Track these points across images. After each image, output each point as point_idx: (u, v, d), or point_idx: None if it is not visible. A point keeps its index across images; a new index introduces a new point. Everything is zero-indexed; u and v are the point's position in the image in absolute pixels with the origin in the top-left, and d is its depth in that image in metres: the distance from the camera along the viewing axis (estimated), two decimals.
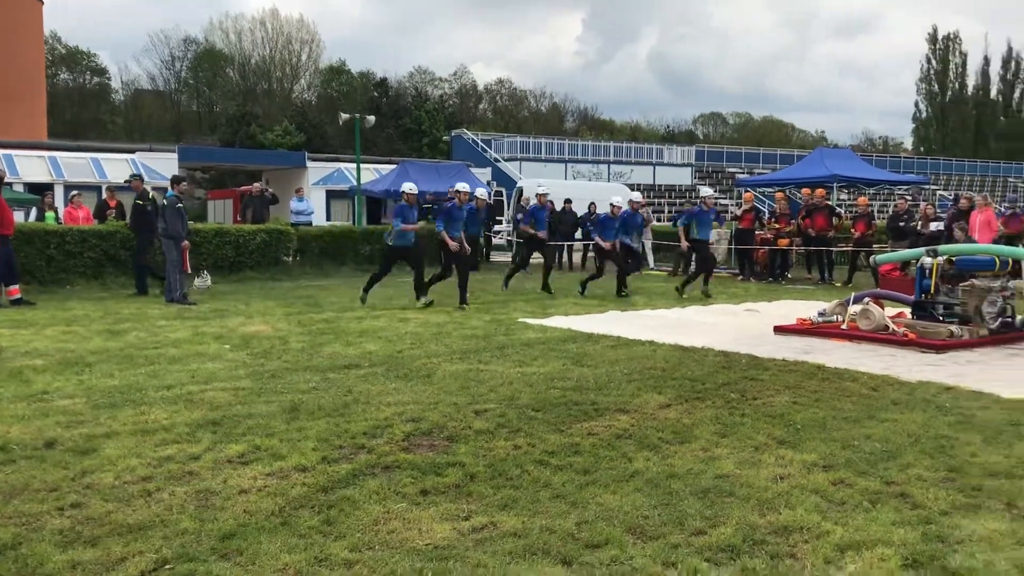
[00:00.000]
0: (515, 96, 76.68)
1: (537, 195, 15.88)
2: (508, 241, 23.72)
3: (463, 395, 6.87)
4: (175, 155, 29.70)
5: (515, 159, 40.20)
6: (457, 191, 13.70)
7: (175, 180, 14.25)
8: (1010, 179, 58.39)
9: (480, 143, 41.54)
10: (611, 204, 15.21)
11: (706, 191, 15.30)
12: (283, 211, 23.35)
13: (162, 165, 27.68)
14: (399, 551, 3.89)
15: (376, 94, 62.00)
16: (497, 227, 25.38)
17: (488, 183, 32.08)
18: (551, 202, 21.51)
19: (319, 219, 26.89)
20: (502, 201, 30.20)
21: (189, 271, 14.35)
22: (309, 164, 32.16)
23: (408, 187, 13.43)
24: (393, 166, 31.41)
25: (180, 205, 13.73)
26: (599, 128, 74.26)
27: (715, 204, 15.32)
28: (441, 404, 6.56)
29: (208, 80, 64.79)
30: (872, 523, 4.23)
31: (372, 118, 28.75)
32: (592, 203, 22.47)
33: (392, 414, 6.24)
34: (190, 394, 6.91)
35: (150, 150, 30.48)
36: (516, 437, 5.70)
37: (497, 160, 38.85)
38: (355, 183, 27.20)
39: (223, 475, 4.90)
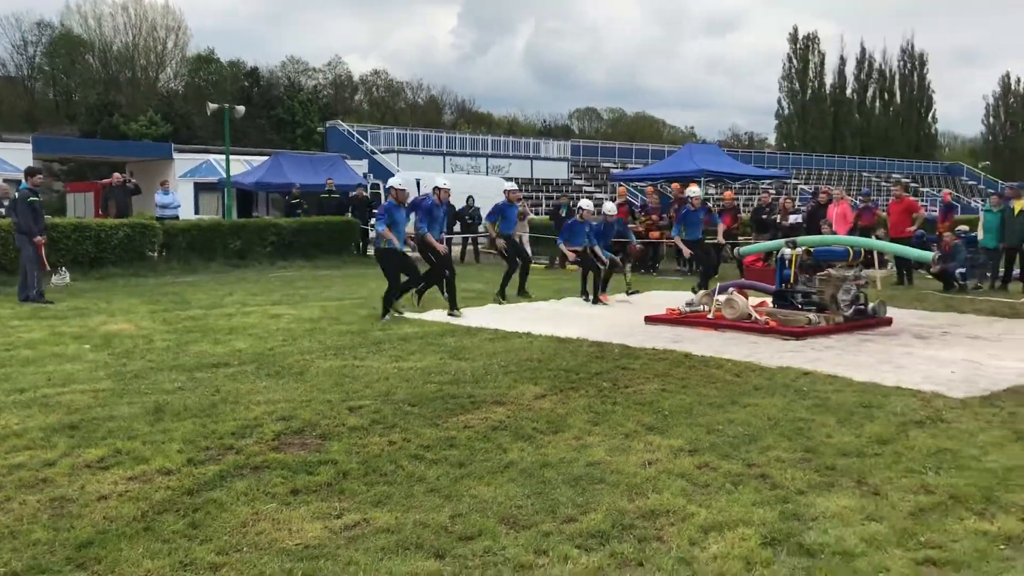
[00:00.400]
0: (391, 88, 75.95)
1: (505, 191, 14.20)
2: None
3: (337, 392, 6.77)
4: (29, 146, 28.08)
5: (392, 151, 39.84)
6: (438, 188, 11.97)
7: (29, 172, 13.44)
8: (864, 173, 61.72)
9: (356, 135, 40.99)
10: (580, 208, 13.96)
11: (692, 191, 14.69)
12: (147, 204, 22.44)
13: (15, 156, 26.15)
14: (268, 552, 3.81)
15: (247, 84, 60.24)
16: (373, 221, 25.05)
17: (365, 175, 31.71)
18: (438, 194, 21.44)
19: (187, 213, 25.94)
20: (379, 194, 29.87)
21: (47, 268, 13.59)
22: (176, 156, 31.01)
23: (396, 182, 11.74)
24: (265, 158, 30.64)
25: (34, 199, 12.97)
26: (477, 121, 74.38)
27: (702, 203, 14.74)
28: (314, 402, 6.44)
29: (65, 67, 61.41)
30: (734, 504, 4.40)
31: (242, 108, 27.97)
32: (470, 196, 22.51)
33: (262, 413, 6.09)
34: (45, 397, 6.56)
35: (0, 140, 28.72)
36: (391, 433, 5.66)
37: (374, 152, 38.42)
38: (224, 175, 26.39)
39: (80, 481, 4.68)
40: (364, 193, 23.58)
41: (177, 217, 20.86)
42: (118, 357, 8.27)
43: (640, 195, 28.40)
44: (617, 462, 5.09)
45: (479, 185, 28.59)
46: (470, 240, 22.36)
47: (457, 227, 22.13)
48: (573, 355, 8.48)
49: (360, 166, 33.63)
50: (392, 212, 11.14)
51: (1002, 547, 3.89)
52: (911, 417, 6.14)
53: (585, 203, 13.94)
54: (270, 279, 16.52)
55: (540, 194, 39.77)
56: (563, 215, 21.21)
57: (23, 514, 4.20)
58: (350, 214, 21.77)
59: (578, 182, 44.73)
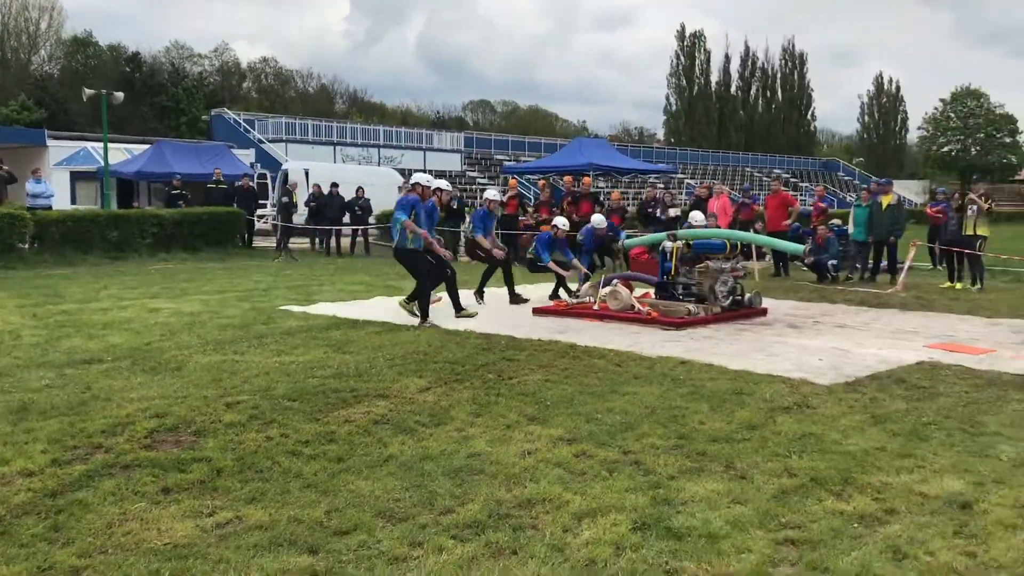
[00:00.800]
0: (281, 76, 74.28)
1: (487, 200, 12.89)
2: (273, 226, 23.01)
3: (214, 387, 6.61)
4: None
5: (280, 140, 38.98)
6: (440, 190, 11.29)
7: None
8: (747, 169, 63.81)
9: (243, 123, 39.97)
10: (488, 200, 12.81)
11: (597, 220, 13.71)
12: (18, 194, 21.32)
13: None
14: (134, 553, 3.70)
15: (128, 69, 57.97)
16: (260, 211, 24.52)
17: (252, 165, 30.95)
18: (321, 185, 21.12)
19: (63, 203, 24.78)
20: (266, 184, 29.24)
21: None
22: (50, 143, 29.54)
23: (423, 179, 10.90)
24: (147, 146, 29.56)
25: None
26: (369, 111, 73.54)
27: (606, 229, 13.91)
28: (190, 398, 6.28)
29: None
30: (608, 491, 4.52)
31: (120, 94, 26.85)
32: (360, 187, 22.25)
33: (135, 410, 5.90)
34: None
35: None
36: (269, 428, 5.58)
37: (261, 141, 37.55)
38: (103, 163, 25.32)
39: None
40: (250, 183, 23.00)
41: (50, 207, 19.92)
42: None
43: (532, 187, 28.63)
44: (497, 453, 5.15)
45: (370, 176, 28.35)
46: (359, 232, 22.11)
47: (347, 219, 21.86)
48: (460, 347, 8.51)
49: (247, 155, 32.79)
50: (416, 208, 10.37)
51: (855, 525, 4.12)
52: (779, 403, 6.41)
53: (491, 193, 13.30)
54: (150, 272, 15.97)
55: None
56: (454, 207, 21.22)
57: None
58: (235, 205, 21.21)
59: (471, 174, 44.78)
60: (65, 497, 4.31)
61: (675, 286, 11.02)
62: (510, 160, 44.07)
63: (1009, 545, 3.87)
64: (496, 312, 11.29)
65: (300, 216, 22.06)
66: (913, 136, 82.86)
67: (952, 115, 75.61)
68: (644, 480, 4.72)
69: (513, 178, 22.34)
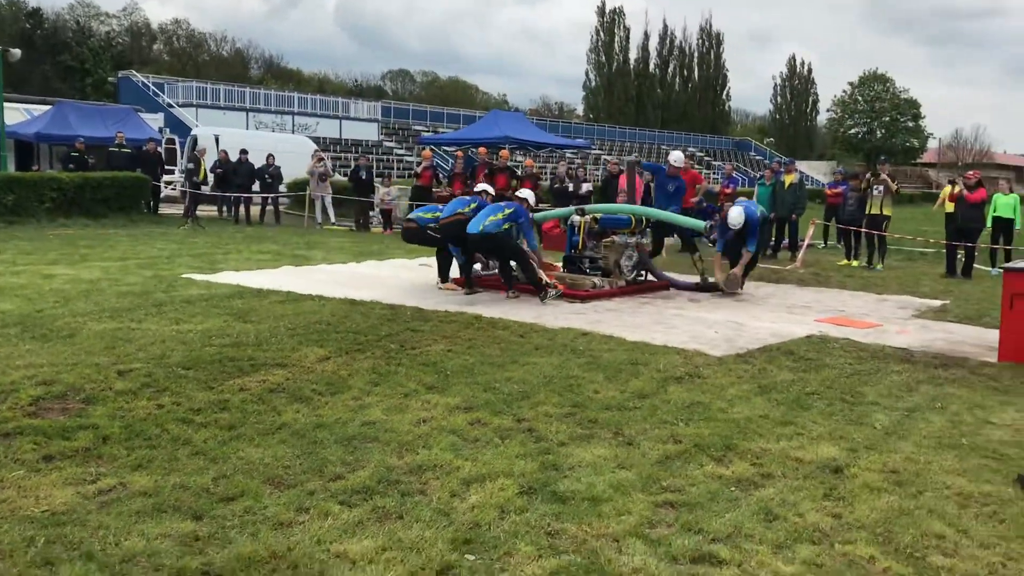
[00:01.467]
0: (193, 39, 71.95)
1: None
2: (181, 193, 22.42)
3: (107, 355, 6.47)
4: None
5: (191, 105, 37.84)
6: (669, 162, 12.12)
7: None
8: (664, 146, 64.68)
9: (152, 87, 38.67)
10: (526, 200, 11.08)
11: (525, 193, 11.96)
12: None
13: None
14: (8, 520, 3.63)
15: (28, 25, 55.33)
16: (168, 177, 23.85)
17: (160, 130, 30.02)
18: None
19: None
20: (174, 150, 28.42)
21: None
22: None
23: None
24: (48, 107, 28.33)
25: None
26: (285, 78, 71.89)
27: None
28: (81, 365, 6.12)
29: None
30: (498, 457, 4.61)
31: (18, 51, 25.66)
32: (270, 155, 21.81)
33: (21, 377, 5.74)
34: None
35: None
36: (161, 397, 5.49)
37: (171, 106, 36.39)
38: None
39: None
40: (157, 148, 22.32)
41: None
42: None
43: (450, 159, 28.52)
44: (392, 421, 5.18)
45: (281, 143, 27.83)
46: (269, 200, 21.70)
47: (256, 186, 21.43)
48: (364, 318, 8.48)
49: (155, 120, 31.72)
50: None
51: (732, 489, 4.30)
52: (672, 373, 6.60)
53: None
54: (48, 237, 15.39)
55: (348, 155, 39.07)
56: (363, 177, 21.02)
57: None
58: (140, 170, 20.55)
59: (389, 144, 44.32)
60: None
61: (582, 260, 11.17)
62: (428, 131, 43.75)
63: (872, 507, 4.09)
64: (407, 283, 11.26)
65: (208, 184, 21.52)
66: (823, 118, 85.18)
67: (860, 98, 77.97)
68: (535, 447, 4.82)
69: (428, 149, 22.21)
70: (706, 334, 8.29)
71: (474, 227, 10.09)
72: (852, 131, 78.25)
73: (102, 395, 5.46)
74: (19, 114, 27.55)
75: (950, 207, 15.83)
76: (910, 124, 77.64)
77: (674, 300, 10.56)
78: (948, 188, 16.79)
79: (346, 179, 22.86)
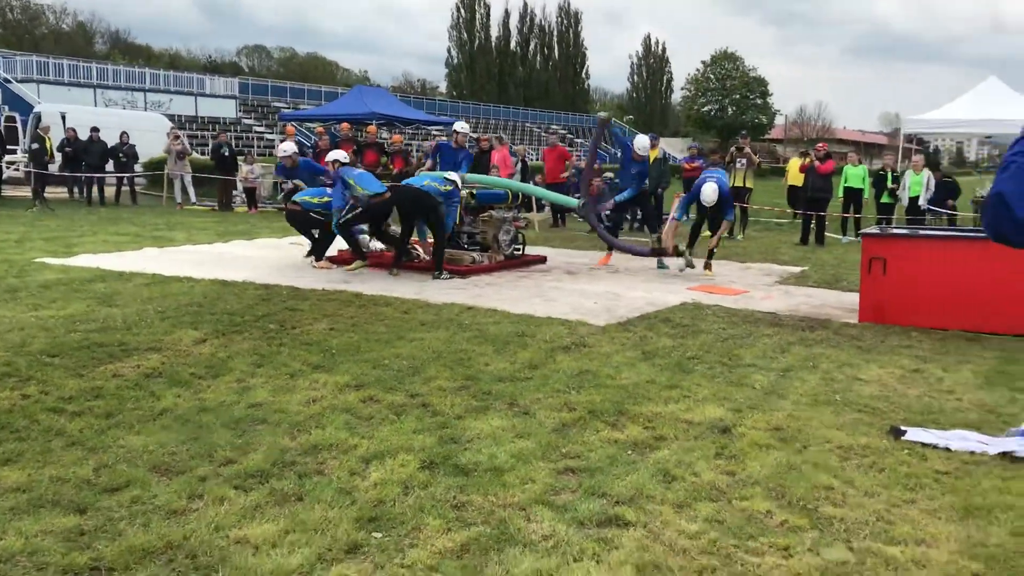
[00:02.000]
0: (29, 11, 67.30)
1: (455, 132, 12.27)
2: (26, 174, 20.97)
3: None
4: None
5: (31, 81, 35.38)
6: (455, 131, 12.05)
7: None
8: (527, 124, 65.23)
9: None
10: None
11: (641, 141, 11.76)
12: None
13: None
14: None
15: None
16: (9, 157, 22.25)
17: None
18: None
19: None
20: (15, 128, 26.56)
21: None
22: None
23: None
24: None
25: None
26: (134, 53, 68.34)
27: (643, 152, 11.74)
28: None
29: None
30: (395, 433, 4.53)
31: None
32: (124, 132, 20.67)
33: None
34: None
35: None
36: (25, 386, 5.13)
37: (8, 81, 33.92)
38: None
39: None
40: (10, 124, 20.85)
41: None
42: None
43: (312, 136, 27.77)
44: (280, 402, 5.02)
45: (136, 121, 26.47)
46: (125, 180, 20.59)
47: (110, 166, 20.29)
48: (238, 298, 8.18)
49: None
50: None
51: (629, 453, 4.37)
52: (559, 343, 6.66)
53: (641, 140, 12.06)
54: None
55: (205, 133, 37.53)
56: (225, 155, 20.24)
57: None
58: None
59: (248, 121, 42.81)
60: None
61: (460, 235, 11.12)
62: (288, 108, 42.51)
63: (763, 463, 4.25)
64: (279, 263, 10.93)
65: (56, 163, 20.21)
66: (677, 96, 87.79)
67: (712, 76, 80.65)
68: (432, 421, 4.77)
69: (291, 125, 21.57)
70: (586, 304, 8.41)
71: (417, 181, 10.22)
72: (705, 108, 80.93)
73: None
74: None
75: (796, 179, 16.61)
76: (759, 101, 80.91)
77: (551, 273, 10.67)
78: (796, 160, 17.58)
79: (207, 157, 21.94)
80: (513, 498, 3.76)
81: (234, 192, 20.11)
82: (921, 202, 15.09)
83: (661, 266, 11.25)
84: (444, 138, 12.78)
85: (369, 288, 8.97)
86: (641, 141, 11.71)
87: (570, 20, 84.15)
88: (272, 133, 39.48)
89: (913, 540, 3.44)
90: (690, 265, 10.91)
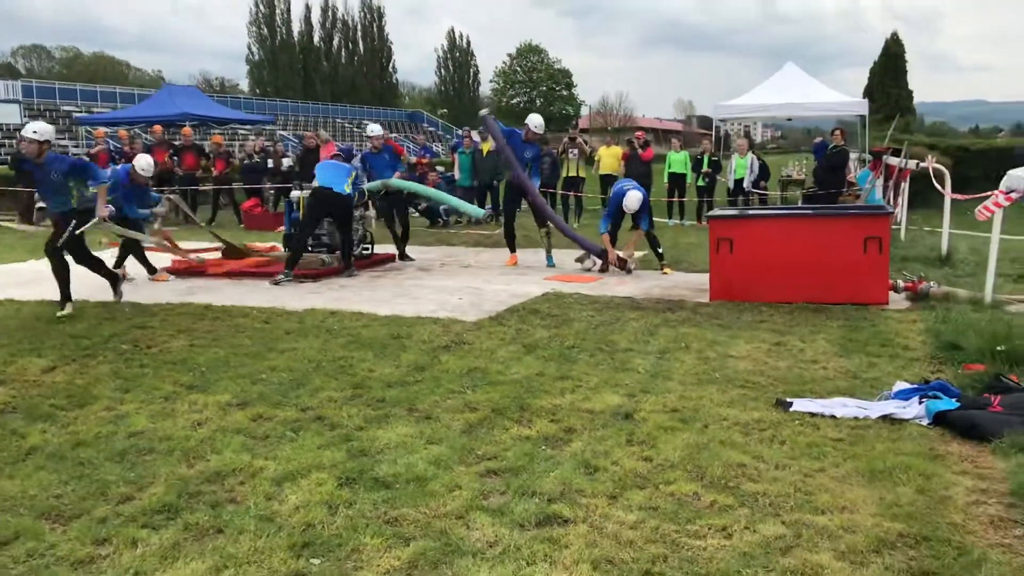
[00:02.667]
0: None
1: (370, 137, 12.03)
2: None
3: None
4: None
5: None
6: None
7: None
8: (338, 120, 64.04)
9: None
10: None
11: (536, 120, 11.14)
12: None
13: None
14: None
15: None
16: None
17: None
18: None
19: None
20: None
21: None
22: None
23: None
24: None
25: None
26: None
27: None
28: None
29: None
30: (300, 451, 4.30)
31: None
32: None
33: None
34: None
35: None
36: None
37: None
38: None
39: None
40: None
41: None
42: None
43: (112, 141, 26.00)
44: (164, 428, 4.66)
45: None
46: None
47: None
48: (77, 319, 7.54)
49: None
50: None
51: (544, 448, 4.36)
52: (438, 343, 6.56)
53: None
54: None
55: None
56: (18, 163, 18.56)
57: None
58: None
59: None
60: None
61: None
62: (81, 111, 39.61)
63: (674, 446, 4.34)
64: (90, 277, 10.09)
65: None
66: (485, 89, 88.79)
67: (519, 69, 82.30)
68: (333, 435, 4.56)
69: (100, 129, 20.10)
70: (451, 301, 8.34)
71: (338, 186, 9.86)
72: (514, 100, 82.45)
73: None
74: None
75: (608, 168, 17.02)
76: (564, 93, 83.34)
77: (405, 272, 10.51)
78: (606, 149, 17.99)
79: (4, 167, 20.09)
80: (445, 507, 3.66)
81: (37, 206, 18.50)
82: (746, 184, 15.93)
83: (551, 263, 10.95)
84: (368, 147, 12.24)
85: (217, 298, 8.50)
86: (535, 120, 11.18)
87: (373, 15, 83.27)
88: (66, 139, 36.67)
89: (836, 508, 3.62)
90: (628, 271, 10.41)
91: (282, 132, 46.55)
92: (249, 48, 76.37)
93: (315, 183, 9.93)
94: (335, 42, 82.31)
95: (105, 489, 3.84)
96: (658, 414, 4.86)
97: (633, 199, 10.15)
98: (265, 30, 76.64)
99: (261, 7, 76.25)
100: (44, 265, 11.20)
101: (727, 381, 5.55)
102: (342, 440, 4.47)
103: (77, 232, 8.00)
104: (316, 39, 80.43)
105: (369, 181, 11.19)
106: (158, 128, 19.15)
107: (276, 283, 9.38)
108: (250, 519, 3.53)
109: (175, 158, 17.65)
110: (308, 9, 79.03)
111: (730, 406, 5.02)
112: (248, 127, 31.69)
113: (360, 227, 10.78)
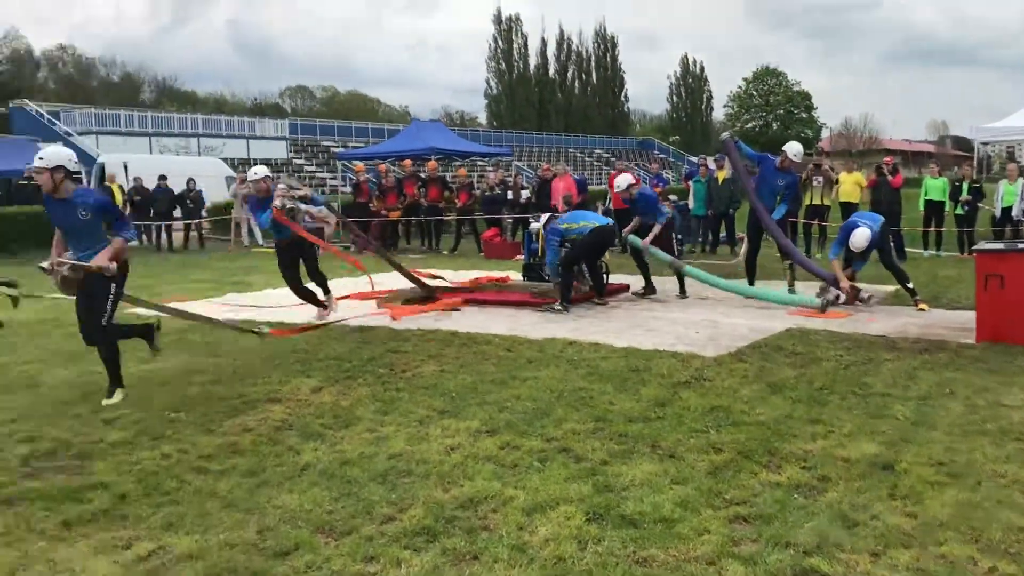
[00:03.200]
0: (80, 64, 69.19)
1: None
2: None
3: (85, 404, 6.00)
4: None
5: (90, 133, 36.24)
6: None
7: None
8: (570, 150, 65.28)
9: (47, 116, 36.90)
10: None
11: (795, 148, 10.82)
12: None
13: None
14: None
15: None
16: None
17: None
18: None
19: None
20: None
21: None
22: None
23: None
24: None
25: None
26: (181, 100, 69.82)
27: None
28: (60, 417, 5.66)
29: None
30: (548, 482, 4.39)
31: None
32: (191, 179, 21.00)
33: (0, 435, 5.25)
34: None
35: None
36: (161, 444, 5.10)
37: (69, 135, 34.77)
38: None
39: None
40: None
41: None
42: None
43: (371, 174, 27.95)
44: (420, 451, 4.92)
45: (198, 167, 26.94)
46: (193, 226, 20.87)
47: (178, 212, 20.60)
48: (339, 342, 8.13)
49: None
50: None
51: (796, 496, 4.19)
52: (677, 378, 6.49)
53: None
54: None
55: None
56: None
57: None
58: None
59: (299, 161, 43.38)
60: None
61: (542, 267, 11.00)
62: (338, 146, 43.00)
63: (942, 503, 4.03)
64: (362, 304, 10.87)
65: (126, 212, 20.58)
66: (719, 114, 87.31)
67: (754, 93, 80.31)
68: (579, 467, 4.62)
69: (359, 164, 21.74)
70: (688, 335, 8.23)
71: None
72: (749, 125, 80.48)
73: (97, 448, 5.03)
74: None
75: (852, 195, 15.89)
76: (803, 115, 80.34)
77: (639, 303, 10.50)
78: (848, 176, 16.96)
79: None
80: (695, 551, 3.60)
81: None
82: (1015, 212, 14.49)
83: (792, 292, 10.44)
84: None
85: (461, 325, 8.88)
86: (794, 148, 10.82)
87: (607, 45, 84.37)
88: (324, 172, 39.92)
89: None
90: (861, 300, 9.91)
91: (517, 163, 48.10)
92: (487, 82, 79.75)
93: (592, 223, 10.07)
94: (569, 73, 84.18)
95: (370, 508, 4.11)
96: (922, 466, 4.53)
97: (860, 237, 9.58)
98: (503, 64, 79.69)
99: (500, 43, 79.42)
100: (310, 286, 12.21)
101: (1002, 433, 5.08)
102: (588, 474, 4.52)
103: (115, 303, 6.37)
104: (551, 71, 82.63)
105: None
106: (407, 162, 20.40)
107: (553, 311, 9.63)
108: (503, 548, 3.65)
109: (422, 190, 18.71)
110: (544, 43, 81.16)
111: (1007, 461, 4.59)
112: (486, 159, 33.06)
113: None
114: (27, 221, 17.72)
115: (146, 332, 7.00)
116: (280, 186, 9.71)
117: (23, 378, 6.82)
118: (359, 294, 11.30)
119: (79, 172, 5.44)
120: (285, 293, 10.19)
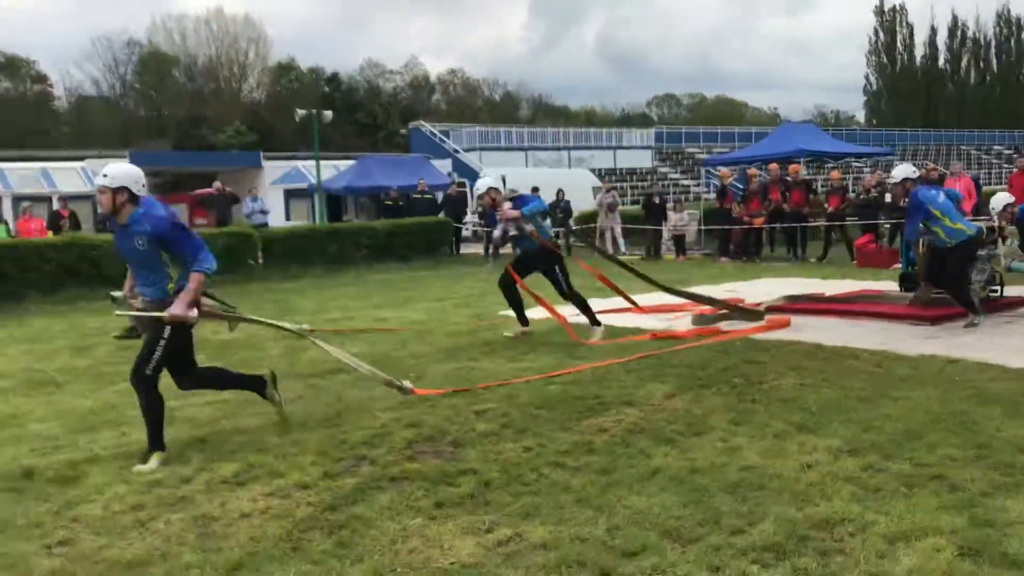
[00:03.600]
0: (468, 86, 76.07)
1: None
2: (474, 232, 23.45)
3: (459, 395, 6.58)
4: (126, 161, 28.85)
5: (474, 149, 39.70)
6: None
7: None
8: (963, 147, 59.19)
9: (438, 134, 41.10)
10: None
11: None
12: (239, 213, 22.71)
13: None
14: (423, 572, 3.61)
15: (328, 90, 61.11)
16: (465, 219, 25.09)
17: (449, 175, 31.71)
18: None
19: (278, 219, 26.30)
20: (466, 193, 29.86)
21: None
22: (265, 163, 31.47)
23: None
24: (352, 162, 30.89)
25: None
26: (554, 114, 73.98)
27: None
28: (438, 406, 6.26)
29: (154, 84, 63.21)
30: (915, 510, 4.02)
31: (329, 113, 28.16)
32: (560, 190, 22.20)
33: (389, 420, 5.94)
34: (170, 410, 6.48)
35: (99, 156, 29.63)
36: (524, 438, 5.43)
37: (456, 151, 38.43)
38: (313, 180, 26.65)
39: (220, 498, 4.57)
40: (460, 191, 23.75)
41: (266, 224, 21.11)
42: (233, 366, 8.23)
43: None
44: (773, 466, 4.74)
45: (567, 178, 28.36)
46: (561, 234, 22.03)
47: (548, 222, 21.83)
48: (694, 351, 8.11)
49: (444, 165, 33.62)
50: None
51: None
52: None
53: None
54: (367, 282, 16.54)
55: (625, 183, 39.19)
56: (656, 202, 20.78)
57: (170, 535, 4.11)
58: (444, 213, 21.83)
59: (663, 169, 44.00)
60: (344, 511, 4.30)
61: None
62: (703, 153, 42.94)
63: None
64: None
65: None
66: None
67: None
68: (952, 497, 4.18)
69: (723, 169, 21.58)
70: None
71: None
72: None
73: (468, 437, 5.49)
74: (329, 170, 30.28)
75: None
76: None
77: None
78: None
79: (637, 207, 22.81)
80: None
81: (662, 240, 20.55)
82: None
83: None
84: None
85: (826, 338, 8.42)
86: None
87: (1011, 28, 75.44)
88: (687, 179, 40.07)
89: None
90: None
91: (898, 163, 44.54)
92: (866, 78, 75.19)
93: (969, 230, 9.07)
94: (963, 63, 76.65)
95: (719, 518, 4.05)
96: None
97: None
98: (884, 58, 74.61)
99: (881, 36, 74.52)
100: (667, 299, 12.34)
101: None
102: (964, 505, 4.07)
103: (167, 350, 5.33)
104: (941, 62, 75.79)
105: None
106: (773, 166, 19.78)
107: (971, 326, 8.83)
108: (859, 574, 3.41)
109: (785, 194, 18.06)
110: (934, 31, 74.59)
111: None
112: (863, 159, 31.04)
113: (988, 267, 9.75)
114: (420, 232, 19.83)
115: (257, 384, 6.06)
116: (506, 204, 9.56)
117: (411, 370, 7.61)
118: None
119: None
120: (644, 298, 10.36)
